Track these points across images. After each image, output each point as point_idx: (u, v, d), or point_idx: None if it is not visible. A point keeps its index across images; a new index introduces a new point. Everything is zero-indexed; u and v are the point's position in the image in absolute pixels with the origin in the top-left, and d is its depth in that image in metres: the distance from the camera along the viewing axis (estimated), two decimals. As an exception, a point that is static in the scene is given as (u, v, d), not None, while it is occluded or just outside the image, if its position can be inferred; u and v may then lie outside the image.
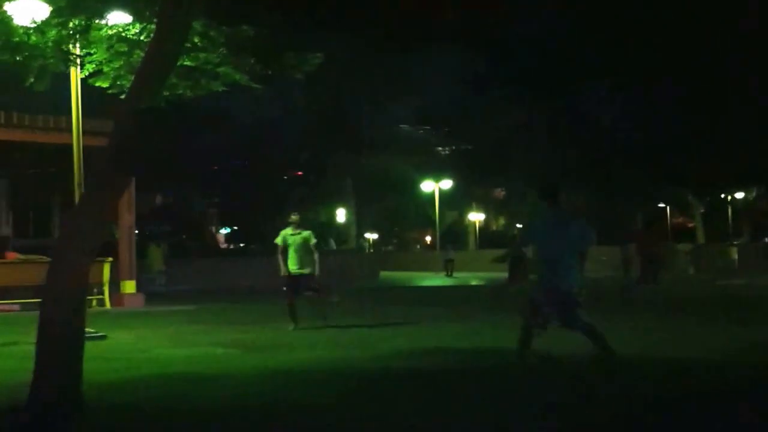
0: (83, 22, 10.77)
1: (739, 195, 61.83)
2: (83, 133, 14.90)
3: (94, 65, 11.62)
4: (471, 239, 74.42)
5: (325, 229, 70.94)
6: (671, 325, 14.85)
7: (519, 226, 75.39)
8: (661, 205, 68.90)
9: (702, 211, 60.73)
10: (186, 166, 64.99)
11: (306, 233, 15.36)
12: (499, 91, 50.46)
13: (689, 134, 46.80)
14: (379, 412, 7.39)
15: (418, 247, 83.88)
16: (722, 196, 62.40)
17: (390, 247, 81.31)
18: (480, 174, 61.36)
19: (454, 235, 69.00)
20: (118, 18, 11.02)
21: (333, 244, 57.30)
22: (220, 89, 11.86)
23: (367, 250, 62.33)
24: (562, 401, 7.64)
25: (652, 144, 48.48)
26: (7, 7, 10.64)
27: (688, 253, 44.93)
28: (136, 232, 25.36)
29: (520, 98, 50.27)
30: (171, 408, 7.66)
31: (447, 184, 59.98)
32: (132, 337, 13.80)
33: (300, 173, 78.17)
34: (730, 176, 52.36)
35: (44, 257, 19.69)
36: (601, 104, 51.48)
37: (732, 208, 63.47)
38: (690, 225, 66.39)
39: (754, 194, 62.29)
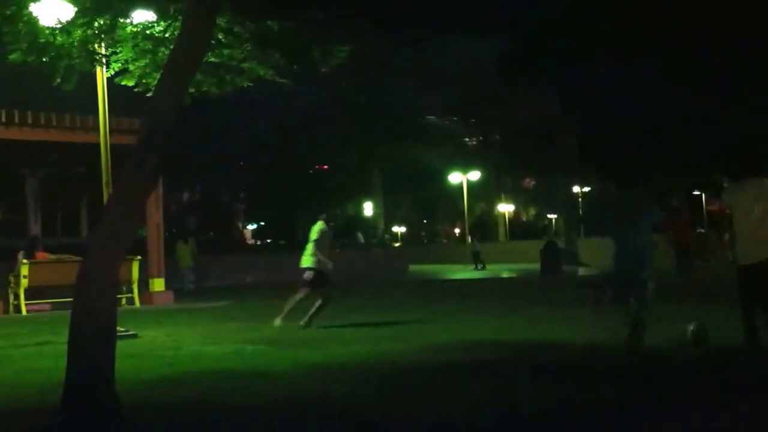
0: (108, 22, 10.78)
1: None
2: (111, 131, 14.92)
3: (119, 64, 11.64)
4: (501, 230, 74.09)
5: (355, 222, 71.07)
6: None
7: (550, 216, 75.28)
8: (696, 192, 68.36)
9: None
10: (213, 162, 65.25)
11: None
12: (528, 78, 50.03)
13: (722, 118, 46.24)
14: (413, 406, 7.34)
15: (444, 240, 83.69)
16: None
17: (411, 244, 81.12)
18: (509, 164, 61.11)
19: (483, 226, 68.82)
20: (142, 16, 11.03)
21: (361, 238, 57.29)
22: (246, 85, 11.85)
23: (391, 244, 62.23)
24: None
25: (687, 127, 47.93)
26: (32, 8, 10.67)
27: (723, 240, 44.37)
28: (166, 234, 25.39)
29: (549, 86, 49.88)
30: (206, 405, 7.65)
31: (475, 175, 59.77)
32: (162, 335, 13.82)
33: (326, 167, 78.29)
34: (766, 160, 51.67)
35: (74, 257, 19.78)
36: (628, 87, 50.98)
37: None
38: (727, 211, 65.67)
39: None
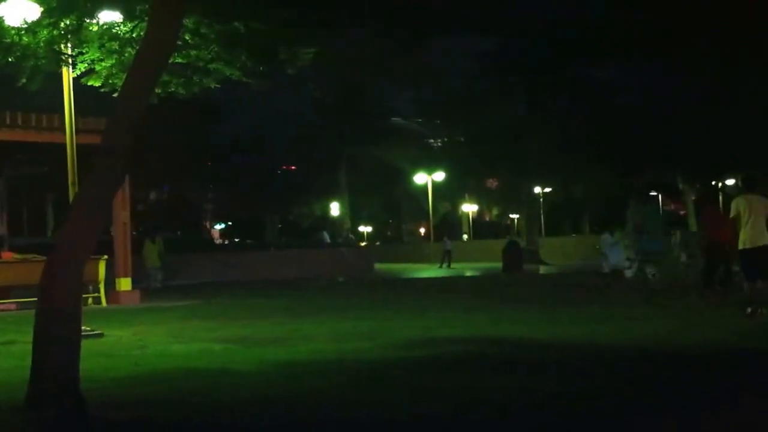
0: (74, 22, 10.78)
1: (730, 182, 61.79)
2: (77, 131, 14.92)
3: (86, 64, 11.63)
4: (465, 230, 74.54)
5: (321, 222, 71.11)
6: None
7: (512, 216, 75.79)
8: (653, 193, 69.11)
9: (693, 198, 60.84)
10: (181, 161, 64.97)
11: None
12: (497, 80, 50.33)
13: (680, 121, 46.77)
14: (379, 402, 7.45)
15: (404, 240, 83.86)
16: (713, 183, 62.43)
17: (378, 243, 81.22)
18: (473, 165, 61.42)
19: (450, 226, 69.11)
20: (109, 17, 11.03)
21: (327, 237, 57.36)
22: (213, 86, 11.88)
23: (357, 243, 62.37)
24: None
25: (647, 130, 48.41)
26: (-2, 8, 10.66)
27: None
28: (133, 232, 25.34)
29: (518, 87, 50.22)
30: (173, 404, 7.70)
31: (440, 176, 60.02)
32: (129, 334, 13.83)
33: (293, 167, 78.29)
34: (720, 163, 52.34)
35: (40, 256, 19.73)
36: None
37: (723, 195, 63.49)
38: (682, 212, 66.51)
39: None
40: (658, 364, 9.19)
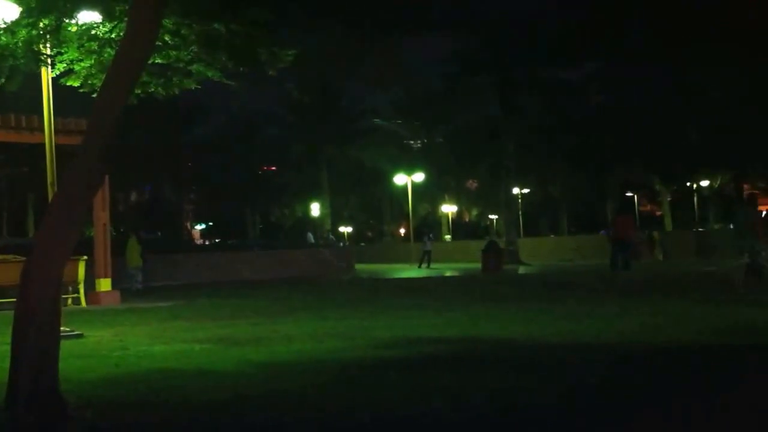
0: (53, 22, 10.77)
1: (705, 183, 62.19)
2: (56, 132, 14.89)
3: (65, 64, 11.62)
4: (444, 230, 74.74)
5: (304, 223, 71.08)
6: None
7: (491, 217, 75.98)
8: (629, 194, 69.53)
9: (669, 199, 61.23)
10: (161, 162, 64.94)
11: None
12: (468, 80, 50.43)
13: (657, 124, 47.09)
14: (356, 401, 7.48)
15: (387, 238, 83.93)
16: (688, 184, 62.85)
17: (362, 243, 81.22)
18: (451, 165, 61.60)
19: (430, 226, 69.21)
20: (88, 17, 11.03)
21: (311, 238, 57.39)
22: (193, 87, 11.89)
23: (337, 243, 62.39)
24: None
25: (621, 132, 48.73)
26: (-24, 9, 10.65)
27: (656, 240, 45.34)
28: (114, 233, 25.28)
29: (489, 87, 50.35)
30: (152, 404, 7.69)
31: (419, 176, 60.12)
32: (109, 335, 13.81)
33: (273, 168, 78.29)
34: (695, 165, 52.77)
35: (19, 257, 19.66)
36: (572, 93, 51.65)
37: (698, 196, 63.95)
38: (658, 213, 66.95)
39: (719, 182, 62.63)
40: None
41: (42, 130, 14.98)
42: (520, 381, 8.24)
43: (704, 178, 60.82)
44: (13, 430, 6.88)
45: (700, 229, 52.51)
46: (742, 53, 40.84)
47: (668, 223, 60.51)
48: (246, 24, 10.76)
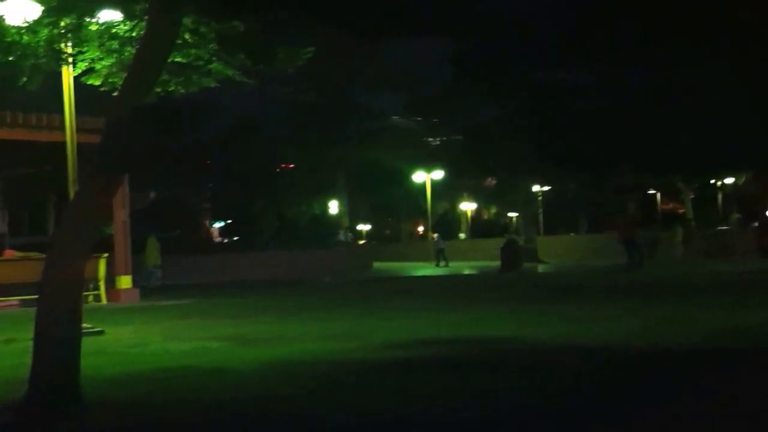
0: (74, 21, 10.83)
1: (729, 180, 61.84)
2: (77, 130, 14.98)
3: (86, 63, 11.68)
4: (463, 229, 74.53)
5: (323, 223, 71.06)
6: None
7: (510, 214, 75.81)
8: (652, 191, 69.14)
9: (692, 196, 60.89)
10: (179, 161, 65.00)
11: None
12: (484, 80, 50.38)
13: (677, 121, 46.83)
14: (367, 402, 7.50)
15: (399, 239, 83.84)
16: (711, 181, 62.47)
17: (375, 242, 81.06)
18: (470, 164, 61.42)
19: (446, 225, 69.07)
20: (108, 16, 11.08)
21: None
22: (212, 85, 11.92)
23: (355, 242, 62.36)
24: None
25: (639, 130, 48.49)
26: (-2, 7, 10.72)
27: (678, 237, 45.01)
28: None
29: (503, 86, 50.27)
30: (170, 402, 7.74)
31: (438, 174, 60.01)
32: (129, 332, 13.89)
33: (292, 165, 78.26)
34: (719, 162, 52.43)
35: (41, 254, 19.79)
36: (586, 90, 51.50)
37: (722, 194, 63.57)
38: (680, 211, 66.59)
39: (743, 180, 62.28)
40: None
41: (62, 129, 15.07)
42: (520, 382, 8.22)
43: (727, 176, 60.49)
44: (34, 424, 6.93)
45: (723, 228, 52.07)
46: (735, 52, 40.75)
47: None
48: (263, 23, 10.79)
